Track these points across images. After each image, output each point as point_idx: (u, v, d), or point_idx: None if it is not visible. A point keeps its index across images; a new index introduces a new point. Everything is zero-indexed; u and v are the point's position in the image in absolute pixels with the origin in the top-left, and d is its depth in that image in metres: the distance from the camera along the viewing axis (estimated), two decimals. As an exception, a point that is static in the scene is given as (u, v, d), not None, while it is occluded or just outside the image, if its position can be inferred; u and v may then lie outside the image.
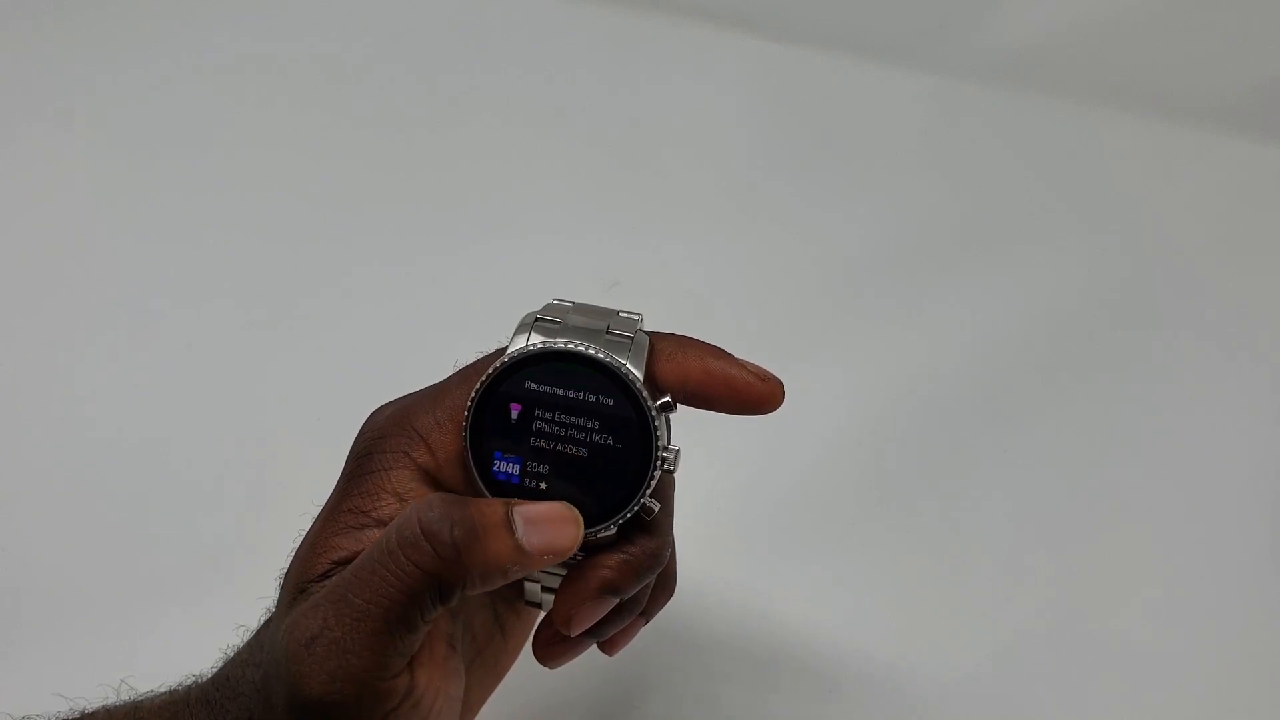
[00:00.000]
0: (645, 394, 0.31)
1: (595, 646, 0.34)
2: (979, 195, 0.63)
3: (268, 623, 0.33)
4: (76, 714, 0.35)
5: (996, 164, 0.64)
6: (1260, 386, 0.57)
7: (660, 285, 0.59)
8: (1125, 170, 0.64)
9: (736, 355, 0.33)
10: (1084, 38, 0.68)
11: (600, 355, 0.31)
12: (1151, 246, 0.61)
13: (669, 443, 0.32)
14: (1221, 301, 0.59)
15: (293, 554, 0.32)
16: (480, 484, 0.32)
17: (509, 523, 0.30)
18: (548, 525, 0.30)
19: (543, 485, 0.32)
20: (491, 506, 0.30)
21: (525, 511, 0.30)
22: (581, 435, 0.31)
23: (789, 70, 0.67)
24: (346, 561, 0.31)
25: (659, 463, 0.31)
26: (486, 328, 0.37)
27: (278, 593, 0.32)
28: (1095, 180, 0.64)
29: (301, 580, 0.31)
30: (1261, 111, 0.65)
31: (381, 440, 0.32)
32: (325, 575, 0.31)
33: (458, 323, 0.55)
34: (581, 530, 0.31)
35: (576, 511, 0.31)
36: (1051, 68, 0.67)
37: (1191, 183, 0.64)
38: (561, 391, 0.31)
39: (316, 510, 0.33)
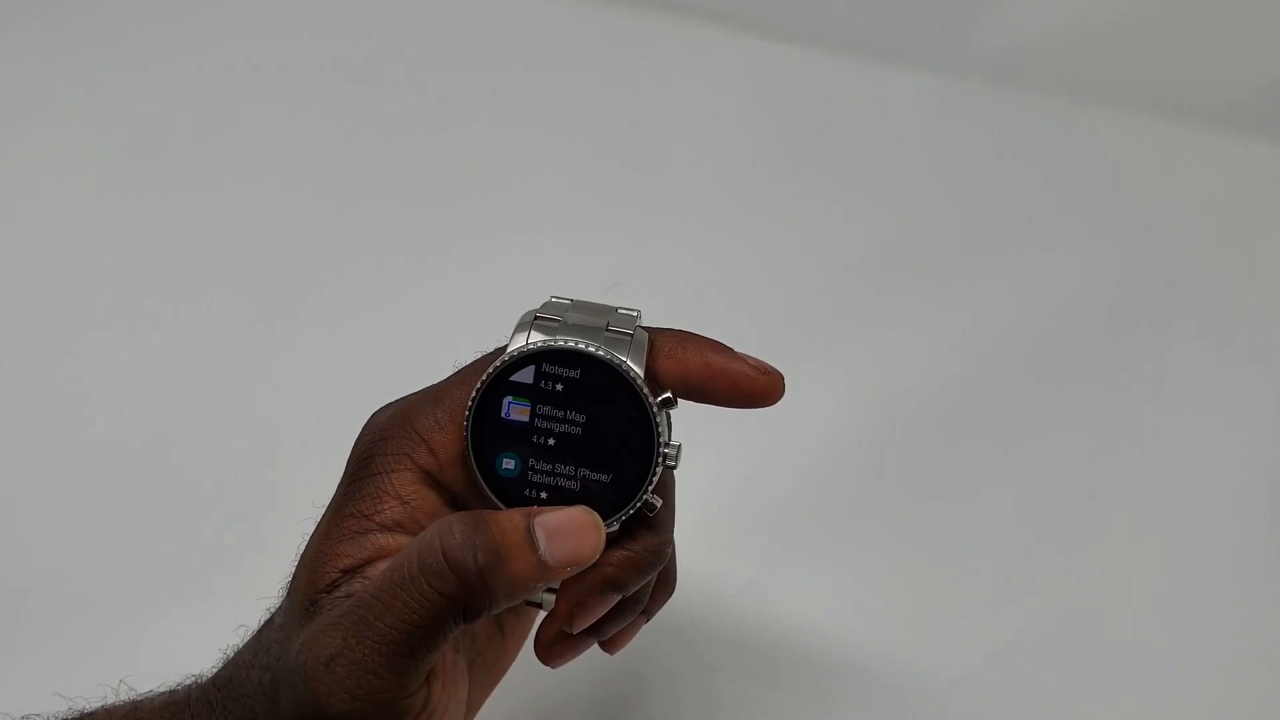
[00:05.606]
0: (646, 390, 0.31)
1: (596, 645, 0.34)
2: (979, 195, 0.63)
3: (269, 623, 0.33)
4: (76, 714, 0.35)
5: (996, 164, 0.64)
6: (1260, 386, 0.57)
7: (661, 285, 0.59)
8: (1125, 170, 0.64)
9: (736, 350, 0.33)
10: (1084, 38, 0.68)
11: (601, 353, 0.31)
12: (1151, 246, 0.61)
13: (670, 439, 0.32)
14: (1221, 301, 0.59)
15: (297, 559, 0.32)
16: (483, 484, 0.32)
17: (530, 539, 0.30)
18: (569, 536, 0.30)
19: (545, 485, 0.32)
20: (512, 523, 0.30)
21: (546, 522, 0.30)
22: (583, 433, 0.31)
23: (789, 70, 0.67)
24: (353, 570, 0.31)
25: (661, 459, 0.31)
26: (486, 327, 0.37)
27: (283, 598, 0.32)
28: (1095, 180, 0.64)
29: (311, 593, 0.31)
30: (1261, 111, 0.65)
31: (382, 442, 0.32)
32: (333, 585, 0.31)
33: (457, 322, 0.55)
34: (603, 534, 0.31)
35: (596, 515, 0.31)
36: (1051, 68, 0.67)
37: (1191, 183, 0.64)
38: (562, 390, 0.31)
39: (319, 511, 0.33)
